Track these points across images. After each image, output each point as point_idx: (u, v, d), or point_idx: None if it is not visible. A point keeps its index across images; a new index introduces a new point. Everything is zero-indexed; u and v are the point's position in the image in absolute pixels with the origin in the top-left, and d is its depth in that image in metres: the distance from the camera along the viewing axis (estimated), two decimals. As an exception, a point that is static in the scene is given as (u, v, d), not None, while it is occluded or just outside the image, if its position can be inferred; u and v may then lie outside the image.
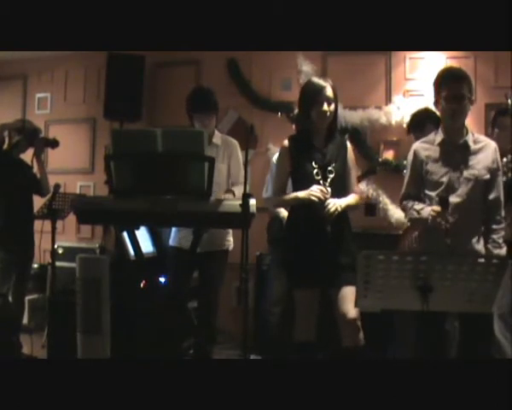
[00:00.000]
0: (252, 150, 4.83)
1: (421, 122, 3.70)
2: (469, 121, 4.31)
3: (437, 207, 2.69)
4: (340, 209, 2.72)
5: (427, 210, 2.73)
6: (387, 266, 2.16)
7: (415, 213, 2.81)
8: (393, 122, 4.72)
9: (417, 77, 4.68)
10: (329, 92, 2.82)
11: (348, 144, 2.95)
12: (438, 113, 2.93)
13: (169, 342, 3.26)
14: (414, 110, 4.03)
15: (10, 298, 4.11)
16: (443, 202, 2.68)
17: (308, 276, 2.78)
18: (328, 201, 2.71)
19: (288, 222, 3.04)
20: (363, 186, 4.49)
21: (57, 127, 5.91)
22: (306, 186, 2.78)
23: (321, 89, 2.81)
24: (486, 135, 4.22)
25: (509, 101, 3.44)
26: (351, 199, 2.85)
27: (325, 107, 2.80)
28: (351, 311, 2.71)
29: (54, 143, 4.22)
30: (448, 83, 2.76)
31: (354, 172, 2.97)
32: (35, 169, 4.25)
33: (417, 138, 3.65)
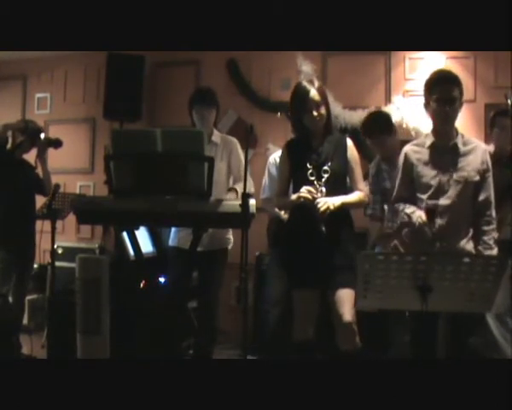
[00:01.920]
0: (251, 150, 4.83)
1: (371, 130, 3.71)
2: (469, 121, 4.38)
3: (424, 217, 2.69)
4: (332, 208, 2.68)
5: (417, 215, 2.74)
6: (387, 266, 2.17)
7: (405, 217, 2.81)
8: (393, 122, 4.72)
9: (417, 77, 4.67)
10: (315, 96, 2.81)
11: (349, 142, 2.92)
12: (429, 116, 2.92)
13: (169, 342, 3.26)
14: (365, 116, 4.07)
15: (10, 298, 4.11)
16: (430, 212, 2.69)
17: (306, 276, 2.78)
18: (318, 200, 2.69)
19: (287, 223, 3.05)
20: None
21: (57, 127, 5.91)
22: (302, 188, 2.80)
23: (306, 95, 2.81)
24: (486, 135, 4.24)
25: (509, 101, 3.43)
26: (350, 196, 2.82)
27: (314, 113, 2.80)
28: (346, 314, 2.71)
29: (57, 143, 4.21)
30: (440, 86, 2.76)
31: (357, 170, 2.91)
32: (38, 169, 4.25)
33: (371, 144, 3.70)
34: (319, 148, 2.86)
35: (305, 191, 2.72)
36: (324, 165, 2.81)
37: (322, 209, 2.67)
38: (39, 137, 4.18)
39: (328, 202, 2.68)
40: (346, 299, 2.72)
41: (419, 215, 2.72)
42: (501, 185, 2.94)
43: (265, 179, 3.99)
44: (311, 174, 2.80)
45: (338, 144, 2.89)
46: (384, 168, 3.62)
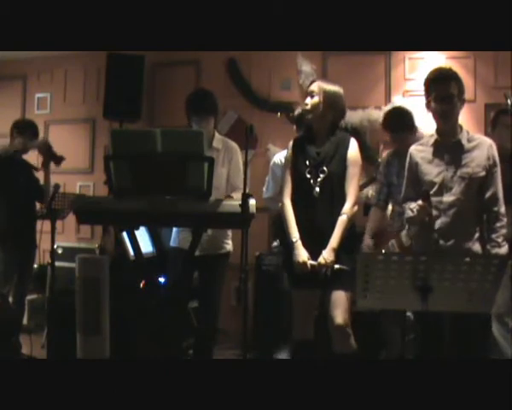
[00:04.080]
0: (251, 150, 4.83)
1: (395, 124, 3.71)
2: (469, 121, 4.38)
3: (420, 203, 2.68)
4: (330, 262, 2.70)
5: (414, 205, 2.73)
6: (387, 266, 2.17)
7: (410, 213, 2.80)
8: (393, 122, 4.71)
9: (417, 77, 4.68)
10: (313, 86, 2.89)
11: (352, 141, 2.88)
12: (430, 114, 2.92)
13: (169, 342, 3.26)
14: (389, 109, 4.07)
15: (10, 298, 4.11)
16: (424, 195, 2.68)
17: (306, 277, 2.76)
18: (315, 263, 2.72)
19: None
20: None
21: (57, 127, 5.91)
22: (299, 187, 2.83)
23: (308, 88, 2.92)
24: (486, 135, 4.24)
25: (509, 101, 3.44)
26: (338, 231, 2.74)
27: (307, 100, 2.88)
28: (339, 316, 2.71)
29: (59, 160, 4.23)
30: (436, 83, 2.76)
31: (352, 170, 2.83)
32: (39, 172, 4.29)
33: (392, 138, 3.69)
34: (321, 147, 2.86)
35: (302, 263, 2.74)
36: (322, 165, 2.81)
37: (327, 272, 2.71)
38: (47, 148, 4.21)
39: (325, 261, 2.70)
40: (339, 301, 2.71)
41: (416, 204, 2.71)
42: (503, 184, 2.93)
43: (269, 179, 3.97)
44: (309, 172, 2.82)
45: (340, 144, 2.87)
46: (395, 163, 3.60)
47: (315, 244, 2.75)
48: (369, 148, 4.74)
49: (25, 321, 4.69)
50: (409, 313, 3.37)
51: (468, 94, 3.20)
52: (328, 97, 2.88)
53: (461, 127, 2.84)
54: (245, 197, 2.61)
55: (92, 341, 3.20)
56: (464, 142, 2.79)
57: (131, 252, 3.47)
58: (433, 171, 2.80)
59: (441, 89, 2.73)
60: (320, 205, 2.79)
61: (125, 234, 3.70)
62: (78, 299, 3.21)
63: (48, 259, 4.13)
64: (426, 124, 4.18)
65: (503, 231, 2.75)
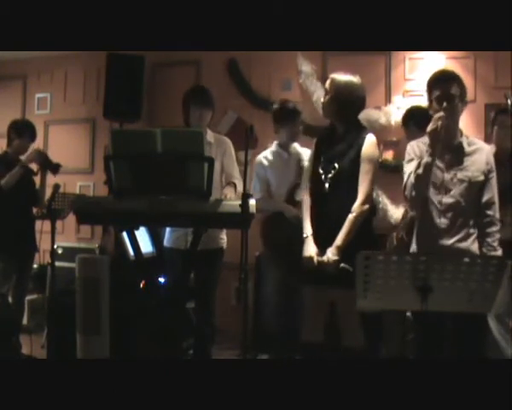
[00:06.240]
0: (251, 150, 4.81)
1: (405, 120, 3.78)
2: (469, 121, 4.38)
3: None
4: (332, 261, 2.67)
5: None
6: (387, 266, 2.17)
7: (413, 170, 2.74)
8: (393, 122, 4.72)
9: (417, 77, 4.69)
10: (326, 84, 2.93)
11: (368, 138, 2.82)
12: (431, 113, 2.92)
13: (169, 342, 3.27)
14: (410, 107, 4.08)
15: (10, 298, 4.11)
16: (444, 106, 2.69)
17: (315, 274, 2.75)
18: (321, 259, 2.71)
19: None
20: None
21: (57, 127, 5.92)
22: (314, 183, 2.85)
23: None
24: (486, 135, 4.25)
25: (509, 101, 3.44)
26: (345, 230, 2.71)
27: (322, 98, 2.95)
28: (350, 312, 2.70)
29: (55, 168, 4.24)
30: (438, 83, 2.77)
31: (365, 167, 2.77)
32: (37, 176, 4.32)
33: (406, 134, 3.71)
34: (338, 143, 2.85)
35: (309, 257, 2.75)
36: (334, 161, 2.81)
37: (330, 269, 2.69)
38: (46, 160, 4.23)
39: (328, 260, 2.69)
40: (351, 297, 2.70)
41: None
42: (501, 185, 2.94)
43: (254, 181, 3.94)
44: (322, 168, 2.83)
45: (355, 141, 2.82)
46: None
47: (325, 241, 2.75)
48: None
49: (25, 321, 4.69)
50: (408, 313, 3.37)
51: (468, 94, 3.18)
52: (340, 91, 2.84)
53: (461, 131, 2.84)
54: (245, 197, 2.61)
55: (92, 341, 3.21)
56: (465, 145, 2.80)
57: (131, 252, 3.47)
58: (433, 171, 2.80)
59: (443, 88, 2.75)
60: (330, 201, 2.78)
61: (125, 234, 3.70)
62: (78, 299, 3.22)
63: (48, 259, 4.14)
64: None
65: (498, 235, 2.78)
